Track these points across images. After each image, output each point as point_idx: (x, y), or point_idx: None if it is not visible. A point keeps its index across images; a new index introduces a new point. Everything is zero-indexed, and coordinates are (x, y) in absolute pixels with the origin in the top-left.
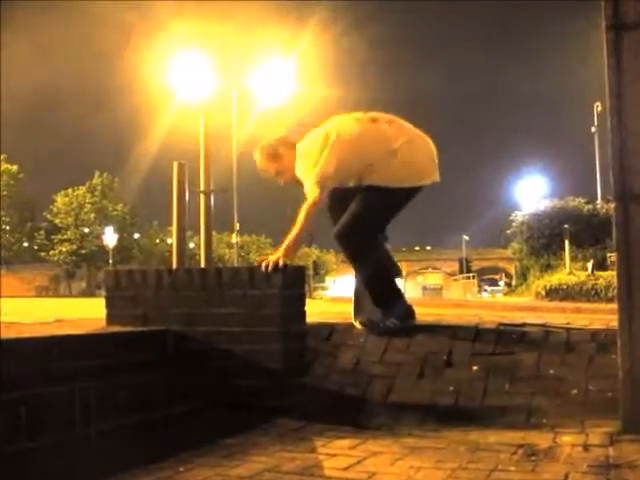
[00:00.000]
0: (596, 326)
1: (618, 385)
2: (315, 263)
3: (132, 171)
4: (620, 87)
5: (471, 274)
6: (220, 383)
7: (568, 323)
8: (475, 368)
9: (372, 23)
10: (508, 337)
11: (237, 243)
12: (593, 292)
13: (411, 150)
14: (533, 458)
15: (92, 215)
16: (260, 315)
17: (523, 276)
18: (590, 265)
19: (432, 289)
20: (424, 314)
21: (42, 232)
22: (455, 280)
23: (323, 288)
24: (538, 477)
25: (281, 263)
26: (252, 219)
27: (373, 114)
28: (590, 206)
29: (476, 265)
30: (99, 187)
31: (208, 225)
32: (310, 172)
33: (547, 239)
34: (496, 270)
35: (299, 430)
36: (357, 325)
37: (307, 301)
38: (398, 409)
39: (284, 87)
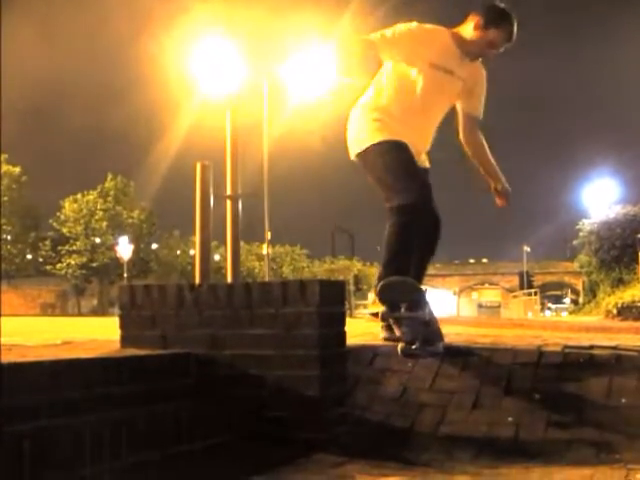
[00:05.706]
0: None
1: None
2: (356, 277)
3: (150, 174)
4: None
5: (533, 290)
6: (249, 413)
7: None
8: (537, 396)
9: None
10: (575, 361)
11: (268, 255)
12: None
13: None
14: None
15: (104, 223)
16: (294, 336)
17: (592, 292)
18: None
19: (489, 307)
20: (479, 335)
21: (48, 242)
22: (515, 297)
23: (365, 306)
24: None
25: None
26: (286, 227)
27: None
28: None
29: (538, 280)
30: (112, 192)
31: (235, 234)
32: None
33: (619, 250)
34: (561, 286)
35: (339, 466)
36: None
37: (347, 320)
38: (450, 443)
39: (322, 78)
